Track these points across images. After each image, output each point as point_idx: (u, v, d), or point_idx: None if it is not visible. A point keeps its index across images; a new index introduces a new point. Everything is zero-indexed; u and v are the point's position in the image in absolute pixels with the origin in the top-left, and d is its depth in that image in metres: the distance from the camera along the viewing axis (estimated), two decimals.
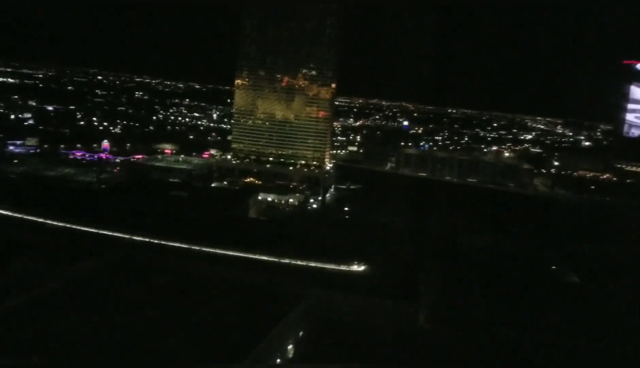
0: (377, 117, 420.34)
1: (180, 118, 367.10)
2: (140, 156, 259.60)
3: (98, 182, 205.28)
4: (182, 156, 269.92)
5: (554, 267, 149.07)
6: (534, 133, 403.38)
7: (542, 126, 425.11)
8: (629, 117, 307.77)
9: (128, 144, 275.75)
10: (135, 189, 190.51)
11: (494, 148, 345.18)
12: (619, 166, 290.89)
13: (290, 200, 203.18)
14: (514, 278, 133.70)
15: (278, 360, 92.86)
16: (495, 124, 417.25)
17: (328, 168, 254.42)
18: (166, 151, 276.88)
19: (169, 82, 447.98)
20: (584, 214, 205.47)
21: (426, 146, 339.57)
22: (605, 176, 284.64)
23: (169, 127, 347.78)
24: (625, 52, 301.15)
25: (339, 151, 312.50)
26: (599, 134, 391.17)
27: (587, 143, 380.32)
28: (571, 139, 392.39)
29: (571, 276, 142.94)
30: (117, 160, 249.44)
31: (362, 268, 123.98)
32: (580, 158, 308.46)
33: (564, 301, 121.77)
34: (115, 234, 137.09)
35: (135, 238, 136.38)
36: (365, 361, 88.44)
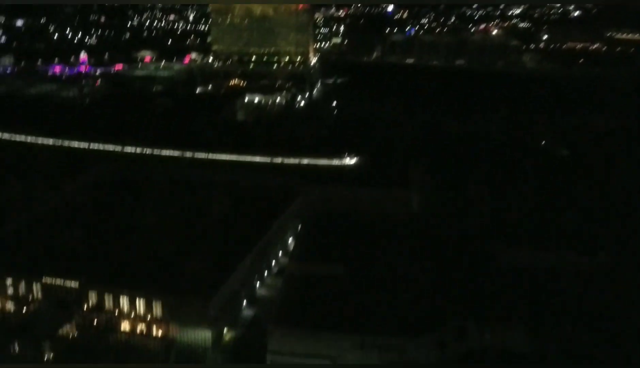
0: (360, 4, 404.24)
1: (156, 22, 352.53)
2: (119, 66, 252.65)
3: (81, 97, 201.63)
4: (163, 62, 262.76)
5: (543, 142, 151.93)
6: (522, 7, 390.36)
7: None
8: None
9: (106, 54, 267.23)
10: (119, 101, 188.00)
11: (482, 26, 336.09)
12: (610, 34, 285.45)
13: (277, 99, 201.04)
14: (504, 157, 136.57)
15: (280, 253, 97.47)
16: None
17: (313, 62, 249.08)
18: (146, 58, 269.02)
19: None
20: (571, 89, 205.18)
21: (412, 30, 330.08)
22: (594, 47, 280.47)
23: (145, 33, 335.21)
24: None
25: (322, 45, 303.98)
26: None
27: (576, 13, 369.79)
28: (560, 10, 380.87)
29: (561, 150, 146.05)
30: (97, 72, 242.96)
31: (353, 161, 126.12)
32: (569, 29, 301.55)
33: (553, 174, 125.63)
34: (106, 147, 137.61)
35: (126, 150, 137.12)
36: (360, 250, 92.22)
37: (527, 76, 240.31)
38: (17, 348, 73.91)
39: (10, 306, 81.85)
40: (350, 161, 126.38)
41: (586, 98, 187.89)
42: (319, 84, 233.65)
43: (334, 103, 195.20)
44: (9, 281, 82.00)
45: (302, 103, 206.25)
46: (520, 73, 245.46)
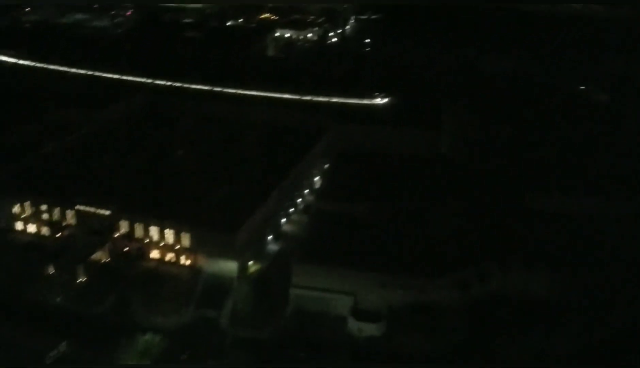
0: None
1: None
2: None
3: (113, 27, 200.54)
4: None
5: (582, 87, 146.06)
6: None
7: None
8: None
9: None
10: (151, 32, 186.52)
11: None
12: None
13: (309, 35, 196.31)
14: (540, 100, 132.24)
15: (306, 191, 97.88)
16: None
17: None
18: None
19: None
20: (612, 33, 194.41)
21: None
22: None
23: None
24: None
25: None
26: None
27: None
28: None
29: (601, 96, 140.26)
30: None
31: (385, 100, 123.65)
32: None
33: (589, 120, 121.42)
34: (138, 79, 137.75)
35: (157, 82, 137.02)
36: (388, 191, 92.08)
37: (571, 15, 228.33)
38: (52, 271, 77.28)
39: (45, 231, 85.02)
40: (381, 100, 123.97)
41: (632, 41, 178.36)
42: (352, 20, 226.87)
43: (367, 40, 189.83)
44: (44, 207, 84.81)
45: (334, 39, 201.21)
46: (564, 13, 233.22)
